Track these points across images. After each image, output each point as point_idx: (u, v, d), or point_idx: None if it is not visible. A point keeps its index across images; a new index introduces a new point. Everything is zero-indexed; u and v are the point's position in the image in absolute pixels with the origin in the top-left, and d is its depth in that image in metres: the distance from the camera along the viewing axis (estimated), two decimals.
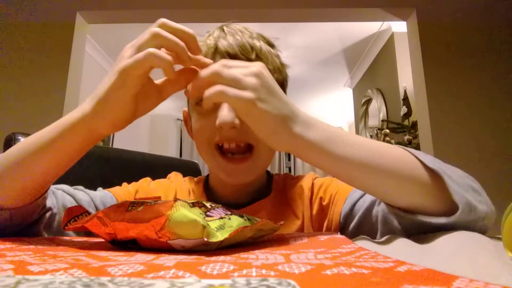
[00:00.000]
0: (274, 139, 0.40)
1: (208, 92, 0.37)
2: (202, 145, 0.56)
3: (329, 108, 5.25)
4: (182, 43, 0.39)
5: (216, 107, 0.53)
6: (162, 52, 0.37)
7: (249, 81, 0.38)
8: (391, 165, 0.40)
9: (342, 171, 0.41)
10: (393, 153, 0.41)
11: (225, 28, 0.57)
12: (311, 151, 0.40)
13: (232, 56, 0.52)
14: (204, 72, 0.38)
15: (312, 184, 0.62)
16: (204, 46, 0.56)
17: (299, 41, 3.57)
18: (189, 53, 0.39)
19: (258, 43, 0.56)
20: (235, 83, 0.37)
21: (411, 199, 0.40)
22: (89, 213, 0.40)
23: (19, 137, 0.75)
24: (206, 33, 0.60)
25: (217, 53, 0.54)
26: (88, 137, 0.42)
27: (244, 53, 0.53)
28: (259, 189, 0.62)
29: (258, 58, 0.55)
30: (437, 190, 0.39)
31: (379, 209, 0.47)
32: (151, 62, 0.37)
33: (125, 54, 0.39)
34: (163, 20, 0.39)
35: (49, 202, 0.50)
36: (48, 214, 0.50)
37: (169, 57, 0.37)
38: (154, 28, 0.38)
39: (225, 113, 0.51)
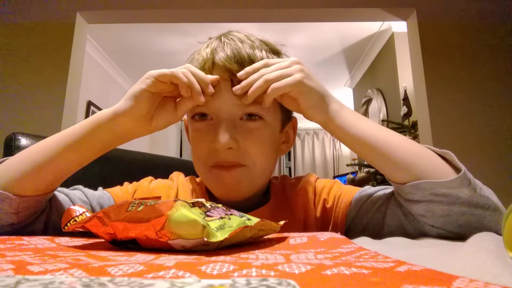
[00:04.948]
0: (312, 110, 0.50)
1: (267, 93, 0.48)
2: (199, 162, 0.56)
3: None
4: (205, 76, 0.49)
5: (212, 124, 0.52)
6: (182, 75, 0.47)
7: (293, 67, 0.48)
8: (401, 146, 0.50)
9: (363, 147, 0.49)
10: (408, 143, 0.52)
11: (223, 38, 0.54)
12: (339, 126, 0.50)
13: (230, 70, 0.51)
14: (257, 84, 0.48)
15: (315, 186, 0.62)
16: (200, 56, 0.54)
17: (299, 41, 3.57)
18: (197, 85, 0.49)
19: (260, 53, 0.53)
20: (281, 78, 0.47)
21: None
22: (89, 213, 0.40)
23: (19, 137, 0.75)
24: (206, 39, 0.58)
25: (214, 66, 0.52)
26: (114, 131, 0.49)
27: (242, 66, 0.51)
28: (258, 195, 0.61)
29: None
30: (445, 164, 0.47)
31: (393, 206, 0.51)
32: (172, 78, 0.46)
33: (152, 72, 0.48)
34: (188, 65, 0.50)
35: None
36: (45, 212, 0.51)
37: (185, 79, 0.47)
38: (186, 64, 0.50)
39: (221, 135, 0.50)
